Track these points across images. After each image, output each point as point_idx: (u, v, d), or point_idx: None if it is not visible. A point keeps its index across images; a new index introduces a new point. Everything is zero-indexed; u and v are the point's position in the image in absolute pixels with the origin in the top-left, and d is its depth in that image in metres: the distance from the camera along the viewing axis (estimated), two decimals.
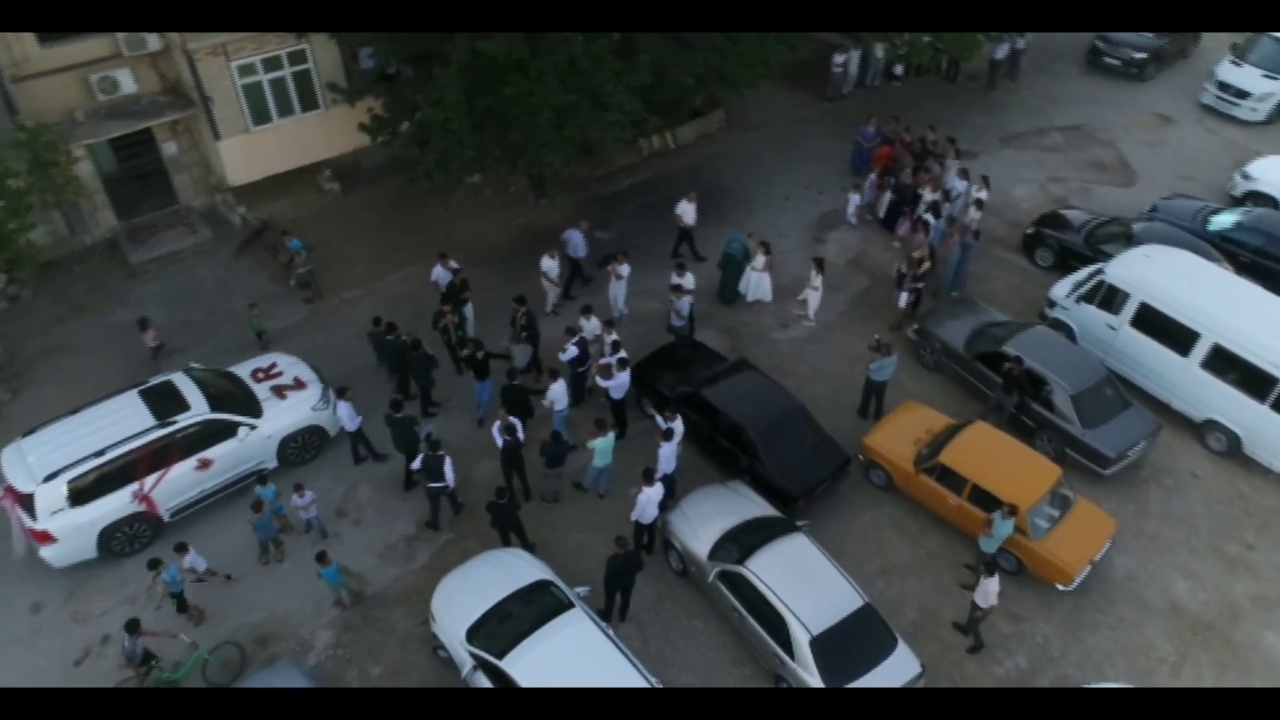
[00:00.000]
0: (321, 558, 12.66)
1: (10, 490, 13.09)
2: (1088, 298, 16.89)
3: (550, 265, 17.51)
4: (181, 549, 12.58)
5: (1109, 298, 16.56)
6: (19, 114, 16.64)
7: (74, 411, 13.92)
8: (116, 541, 13.61)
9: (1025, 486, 13.57)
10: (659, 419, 14.20)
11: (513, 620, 11.88)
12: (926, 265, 17.64)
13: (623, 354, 15.22)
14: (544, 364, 16.17)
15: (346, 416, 14.55)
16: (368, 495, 14.91)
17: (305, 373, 15.41)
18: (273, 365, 15.41)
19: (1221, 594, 13.89)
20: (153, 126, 18.74)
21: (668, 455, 13.84)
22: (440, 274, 17.04)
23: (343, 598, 13.25)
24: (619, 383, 14.98)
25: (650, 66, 16.56)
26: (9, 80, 16.85)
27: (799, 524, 13.37)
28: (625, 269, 17.44)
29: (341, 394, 14.52)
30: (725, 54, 17.77)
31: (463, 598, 12.32)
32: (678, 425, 13.97)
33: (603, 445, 14.02)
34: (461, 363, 16.31)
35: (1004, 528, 13.10)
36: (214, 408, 14.07)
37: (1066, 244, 19.07)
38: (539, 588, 12.29)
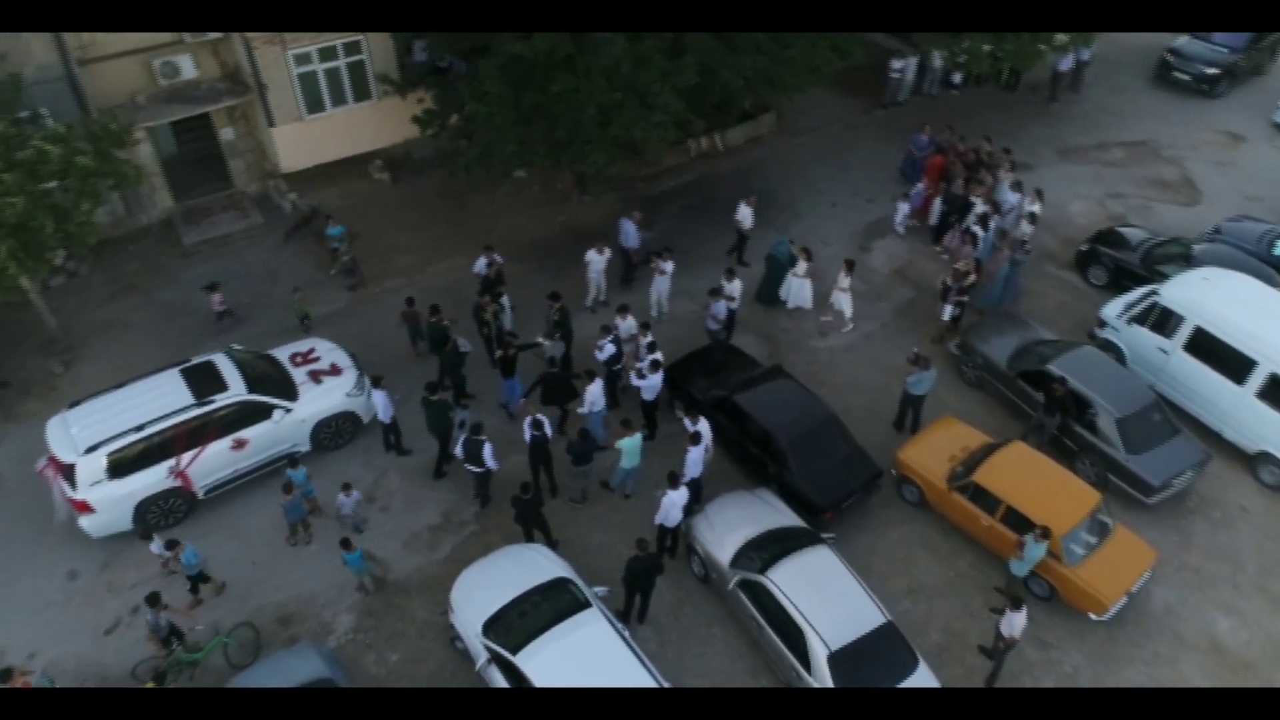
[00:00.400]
0: (345, 544, 12.81)
1: (53, 460, 13.49)
2: (1140, 319, 16.35)
3: (597, 260, 17.49)
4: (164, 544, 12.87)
5: (1162, 320, 16.01)
6: (90, 112, 17.10)
7: (118, 386, 14.30)
8: (152, 515, 13.94)
9: (1062, 510, 13.18)
10: (686, 422, 14.09)
11: (529, 616, 11.86)
12: (971, 278, 17.24)
13: (657, 355, 15.14)
14: (575, 361, 16.13)
15: (381, 405, 14.71)
16: (397, 483, 15.06)
17: (342, 359, 15.62)
18: (311, 350, 15.65)
19: (1266, 634, 13.32)
20: (211, 112, 19.18)
21: (695, 459, 13.73)
22: (482, 266, 17.15)
23: (365, 583, 13.40)
24: (651, 384, 14.89)
25: (697, 68, 16.45)
26: (77, 63, 17.38)
27: (825, 536, 13.15)
28: (669, 265, 17.35)
29: (376, 382, 14.67)
30: (773, 58, 17.55)
31: (482, 591, 12.34)
32: (705, 429, 13.85)
33: (630, 446, 13.95)
34: (495, 356, 16.38)
35: (1036, 550, 12.74)
36: (251, 389, 14.32)
37: (1122, 263, 18.46)
38: (558, 585, 12.26)
